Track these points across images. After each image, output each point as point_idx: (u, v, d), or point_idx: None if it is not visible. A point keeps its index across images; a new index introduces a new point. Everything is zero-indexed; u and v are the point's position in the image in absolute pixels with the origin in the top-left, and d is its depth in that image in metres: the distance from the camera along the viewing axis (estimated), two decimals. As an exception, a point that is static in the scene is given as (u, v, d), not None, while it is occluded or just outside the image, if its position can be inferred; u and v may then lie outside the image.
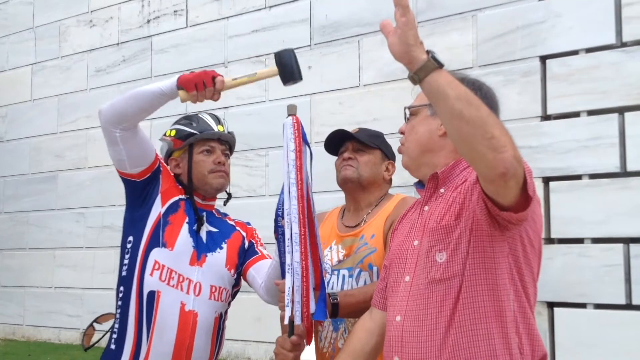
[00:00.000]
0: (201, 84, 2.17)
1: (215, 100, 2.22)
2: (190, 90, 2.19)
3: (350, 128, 2.64)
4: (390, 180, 2.50)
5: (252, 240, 2.62)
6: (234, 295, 2.58)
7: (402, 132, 1.96)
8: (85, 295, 8.25)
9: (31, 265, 8.91)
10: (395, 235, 2.02)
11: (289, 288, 2.08)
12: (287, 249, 2.11)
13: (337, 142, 2.54)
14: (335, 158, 2.58)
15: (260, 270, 2.50)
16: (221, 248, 2.50)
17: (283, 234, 2.15)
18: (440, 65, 1.55)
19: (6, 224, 9.25)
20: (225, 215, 2.67)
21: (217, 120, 2.59)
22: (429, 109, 1.86)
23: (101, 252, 8.10)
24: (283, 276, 2.16)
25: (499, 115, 1.85)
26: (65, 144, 8.73)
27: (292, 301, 2.08)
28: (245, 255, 2.57)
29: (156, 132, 2.79)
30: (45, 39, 9.10)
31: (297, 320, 2.07)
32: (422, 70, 1.54)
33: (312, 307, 2.08)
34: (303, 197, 2.08)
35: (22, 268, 9.00)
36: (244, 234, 2.60)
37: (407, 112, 1.95)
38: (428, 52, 1.56)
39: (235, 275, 2.53)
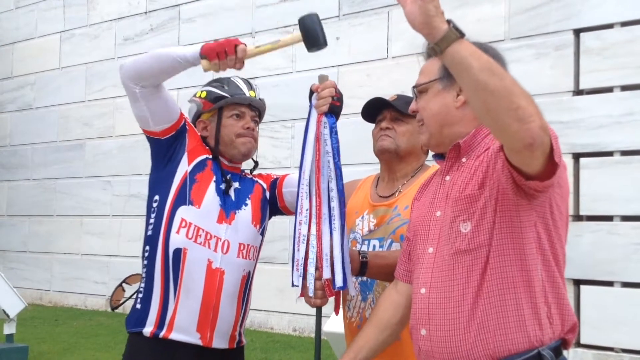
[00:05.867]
0: (223, 53, 2.17)
1: (238, 69, 2.21)
2: (212, 58, 2.19)
3: None
4: (428, 150, 2.44)
5: (271, 179, 2.61)
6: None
7: (414, 112, 1.93)
8: (112, 262, 8.36)
9: (58, 232, 9.04)
10: (416, 206, 2.00)
11: (302, 259, 2.12)
12: (303, 220, 2.15)
13: (374, 110, 2.49)
14: (372, 126, 2.52)
15: (292, 181, 2.50)
16: (246, 204, 2.49)
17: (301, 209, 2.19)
18: (461, 35, 1.50)
19: (34, 190, 9.37)
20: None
21: (249, 86, 2.56)
22: (440, 82, 1.82)
23: (127, 220, 8.18)
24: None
25: None
26: (93, 113, 8.79)
27: (305, 273, 2.12)
28: (268, 202, 2.57)
29: (183, 100, 2.77)
30: (74, 7, 9.12)
31: (310, 292, 2.12)
32: (444, 40, 1.50)
33: (339, 280, 2.11)
34: (319, 169, 2.14)
35: (49, 235, 9.14)
36: (264, 184, 2.59)
37: (415, 90, 1.91)
38: (449, 21, 1.51)
39: (261, 230, 2.52)
